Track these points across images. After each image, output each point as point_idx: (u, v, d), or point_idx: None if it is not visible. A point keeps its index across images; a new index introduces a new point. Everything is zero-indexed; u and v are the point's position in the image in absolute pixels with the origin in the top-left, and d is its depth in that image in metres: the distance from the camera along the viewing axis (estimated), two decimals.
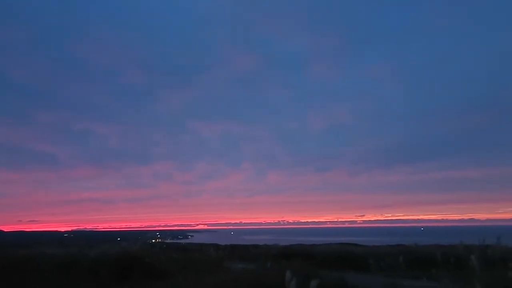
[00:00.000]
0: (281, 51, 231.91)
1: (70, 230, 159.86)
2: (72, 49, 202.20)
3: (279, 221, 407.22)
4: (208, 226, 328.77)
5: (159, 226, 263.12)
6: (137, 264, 10.69)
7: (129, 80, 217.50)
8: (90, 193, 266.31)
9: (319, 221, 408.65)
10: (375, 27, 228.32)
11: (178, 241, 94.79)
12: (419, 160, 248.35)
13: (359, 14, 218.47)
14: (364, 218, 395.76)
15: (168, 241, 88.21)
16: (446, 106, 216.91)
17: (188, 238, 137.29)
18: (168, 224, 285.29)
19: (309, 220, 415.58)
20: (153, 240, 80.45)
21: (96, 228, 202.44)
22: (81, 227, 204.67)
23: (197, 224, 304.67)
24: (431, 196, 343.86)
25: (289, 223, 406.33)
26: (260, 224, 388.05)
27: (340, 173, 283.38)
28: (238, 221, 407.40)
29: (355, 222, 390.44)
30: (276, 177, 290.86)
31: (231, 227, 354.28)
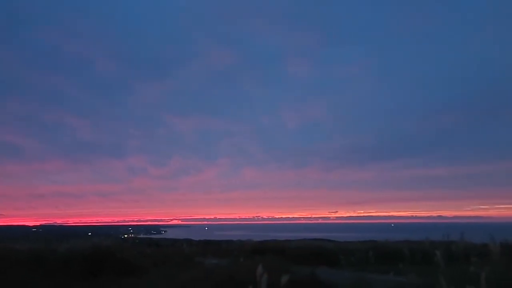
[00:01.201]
0: (258, 47, 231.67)
1: (38, 224, 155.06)
2: (41, 37, 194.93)
3: (253, 216, 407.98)
4: (182, 221, 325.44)
5: (132, 221, 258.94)
6: (108, 259, 10.51)
7: (103, 71, 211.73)
8: (60, 186, 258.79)
9: (293, 217, 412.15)
10: (351, 25, 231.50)
11: (151, 236, 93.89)
12: (391, 158, 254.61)
13: (336, 12, 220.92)
14: (337, 215, 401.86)
15: (141, 236, 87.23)
16: (417, 106, 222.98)
17: (161, 233, 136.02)
18: (141, 219, 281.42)
19: (283, 216, 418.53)
20: (126, 235, 79.36)
21: (66, 223, 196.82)
22: (50, 221, 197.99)
23: (171, 219, 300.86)
24: (402, 194, 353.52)
25: (263, 218, 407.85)
26: (235, 219, 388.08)
27: (315, 169, 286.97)
28: (212, 217, 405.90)
29: (328, 218, 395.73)
30: (251, 173, 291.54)
31: (206, 222, 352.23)
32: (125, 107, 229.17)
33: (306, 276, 7.27)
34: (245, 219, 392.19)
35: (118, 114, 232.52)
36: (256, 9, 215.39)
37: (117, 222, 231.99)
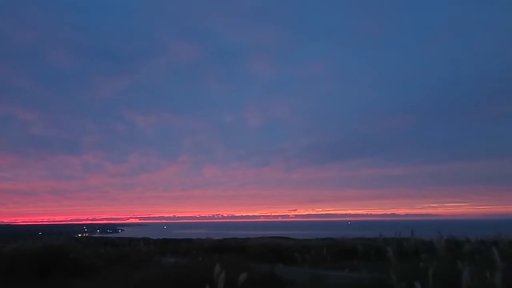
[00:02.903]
0: (222, 44, 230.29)
1: None
2: None
3: (213, 215, 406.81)
4: (140, 220, 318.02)
5: (87, 219, 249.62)
6: (59, 260, 10.08)
7: (58, 63, 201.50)
8: (9, 183, 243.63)
9: (253, 215, 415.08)
10: (315, 26, 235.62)
11: (107, 235, 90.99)
12: (349, 158, 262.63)
13: (301, 12, 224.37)
14: (296, 213, 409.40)
15: (96, 235, 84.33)
16: (375, 107, 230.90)
17: (118, 232, 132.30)
18: (96, 217, 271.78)
19: (244, 214, 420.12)
20: (80, 235, 76.43)
21: (15, 222, 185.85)
22: None
23: (128, 218, 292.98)
24: (359, 192, 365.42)
25: (223, 217, 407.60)
26: (195, 218, 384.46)
27: (275, 168, 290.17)
28: (171, 215, 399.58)
29: (287, 216, 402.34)
30: (212, 171, 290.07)
31: (164, 221, 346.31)
32: (82, 101, 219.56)
33: (264, 273, 7.34)
34: (205, 217, 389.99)
35: (74, 109, 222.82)
36: (221, 5, 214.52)
37: (71, 221, 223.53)
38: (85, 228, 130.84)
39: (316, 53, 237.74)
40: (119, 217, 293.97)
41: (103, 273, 9.77)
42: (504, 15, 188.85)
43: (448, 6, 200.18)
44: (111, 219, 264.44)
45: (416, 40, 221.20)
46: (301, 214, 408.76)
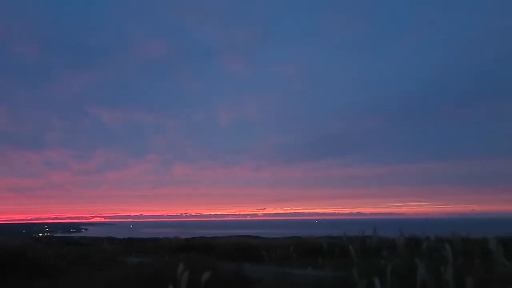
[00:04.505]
0: (193, 41, 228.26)
1: None
2: None
3: (181, 213, 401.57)
4: (105, 218, 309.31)
5: (49, 218, 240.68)
6: (17, 260, 9.68)
7: (20, 56, 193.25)
8: None
9: (222, 214, 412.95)
10: (288, 26, 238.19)
11: (70, 234, 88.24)
12: (317, 158, 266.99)
13: (274, 12, 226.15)
14: (265, 212, 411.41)
15: (58, 234, 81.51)
16: (343, 109, 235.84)
17: (81, 231, 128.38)
18: (59, 216, 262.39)
19: (212, 213, 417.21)
20: (40, 234, 73.70)
21: None
22: None
23: (93, 217, 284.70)
24: (326, 191, 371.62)
25: (191, 215, 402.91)
26: (162, 217, 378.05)
27: (245, 167, 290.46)
28: (138, 214, 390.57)
29: (256, 215, 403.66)
30: (181, 169, 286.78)
31: (131, 220, 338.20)
32: (46, 96, 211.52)
33: (230, 272, 7.36)
34: (172, 216, 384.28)
35: (37, 103, 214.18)
36: (194, 2, 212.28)
37: (31, 219, 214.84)
38: (46, 228, 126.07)
39: (288, 53, 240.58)
40: (83, 216, 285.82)
41: (65, 274, 9.47)
42: (467, 22, 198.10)
43: (416, 13, 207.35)
44: (75, 218, 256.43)
45: (385, 44, 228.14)
46: (270, 213, 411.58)
